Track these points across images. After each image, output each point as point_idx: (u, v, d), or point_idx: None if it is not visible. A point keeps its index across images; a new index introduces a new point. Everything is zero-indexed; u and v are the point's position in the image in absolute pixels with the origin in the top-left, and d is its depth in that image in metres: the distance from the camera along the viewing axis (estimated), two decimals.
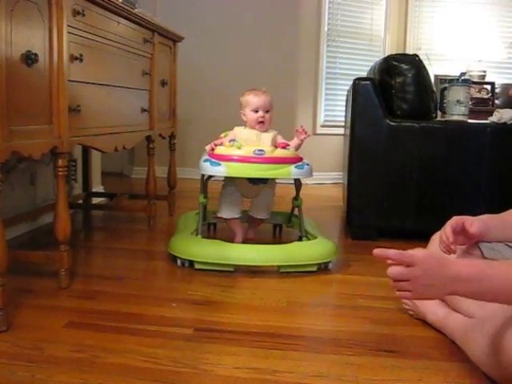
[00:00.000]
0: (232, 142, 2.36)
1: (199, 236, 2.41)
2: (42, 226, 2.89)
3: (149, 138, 2.92)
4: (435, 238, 1.71)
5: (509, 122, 2.75)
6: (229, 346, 1.55)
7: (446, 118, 2.93)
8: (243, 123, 2.50)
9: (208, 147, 2.46)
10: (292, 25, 4.90)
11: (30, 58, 1.68)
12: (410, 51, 5.07)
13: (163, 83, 3.06)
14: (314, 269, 2.28)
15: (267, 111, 2.44)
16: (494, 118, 2.80)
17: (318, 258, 2.30)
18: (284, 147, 2.37)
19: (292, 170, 2.30)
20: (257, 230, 2.70)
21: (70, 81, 1.93)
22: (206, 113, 4.98)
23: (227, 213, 2.53)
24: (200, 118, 4.97)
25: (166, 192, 3.35)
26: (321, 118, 5.14)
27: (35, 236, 2.76)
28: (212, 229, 2.96)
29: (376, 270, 2.21)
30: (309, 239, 2.50)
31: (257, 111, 2.43)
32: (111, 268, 2.31)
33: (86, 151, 3.36)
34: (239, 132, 2.46)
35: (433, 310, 1.70)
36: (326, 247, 2.37)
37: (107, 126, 2.35)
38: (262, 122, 2.43)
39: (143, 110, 2.78)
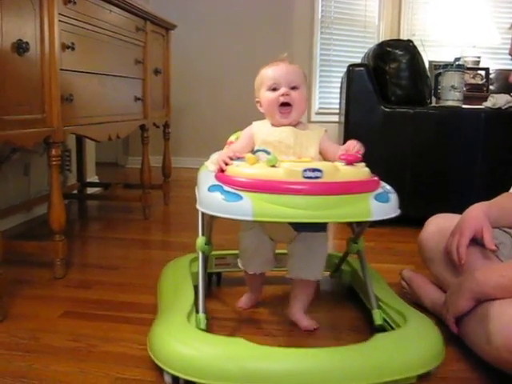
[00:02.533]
0: (259, 154, 1.41)
1: (201, 320, 1.38)
2: (36, 216, 2.88)
3: (143, 127, 2.91)
4: (432, 221, 1.71)
5: (503, 108, 2.75)
6: (224, 331, 1.55)
7: (441, 104, 2.93)
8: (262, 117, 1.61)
9: (212, 163, 1.48)
10: (286, 12, 4.87)
11: (21, 47, 1.67)
12: (404, 37, 5.04)
13: (156, 72, 3.04)
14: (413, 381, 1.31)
15: (293, 87, 1.50)
16: (488, 104, 2.80)
17: (422, 365, 1.30)
18: (352, 161, 1.35)
19: (372, 207, 1.27)
20: (308, 306, 1.63)
21: (61, 70, 1.92)
22: (200, 101, 4.96)
23: (255, 266, 1.63)
24: (195, 107, 4.96)
25: (161, 181, 3.34)
26: (315, 106, 5.13)
27: (30, 227, 2.76)
28: (215, 280, 1.98)
29: None
30: (390, 319, 1.51)
31: (275, 89, 1.50)
32: (107, 258, 2.31)
33: (80, 141, 3.34)
34: (261, 131, 1.52)
35: (429, 294, 1.71)
36: (429, 344, 1.36)
37: (100, 115, 2.33)
38: (285, 105, 1.49)
39: (137, 99, 2.76)
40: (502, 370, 1.23)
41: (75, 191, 3.35)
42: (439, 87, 2.94)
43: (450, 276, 1.57)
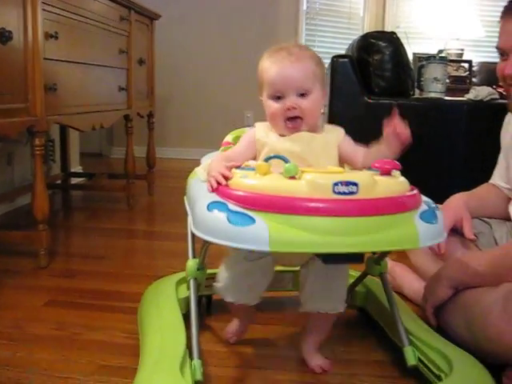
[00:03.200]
0: (273, 162, 1.09)
1: (196, 369, 1.12)
2: (20, 206, 2.86)
3: (127, 117, 2.90)
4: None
5: (485, 100, 2.79)
6: (209, 321, 1.57)
7: (424, 96, 2.96)
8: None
9: (204, 170, 1.22)
10: (271, 3, 4.87)
11: (4, 36, 1.66)
12: (388, 29, 5.06)
13: (141, 61, 3.03)
14: None
15: (303, 94, 1.20)
16: (470, 96, 2.84)
17: None
18: (389, 170, 1.10)
19: (419, 230, 1.01)
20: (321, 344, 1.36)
21: (45, 59, 1.91)
22: (185, 92, 4.95)
23: (235, 295, 1.29)
24: (179, 97, 4.94)
25: (146, 171, 3.34)
26: None
27: (13, 217, 2.75)
28: (205, 302, 1.65)
29: None
30: (426, 359, 1.25)
31: (279, 97, 1.21)
32: (91, 247, 2.31)
33: (63, 132, 3.32)
34: (267, 137, 1.24)
35: (410, 284, 1.74)
36: None
37: (84, 105, 2.33)
38: (293, 119, 1.21)
39: (121, 89, 2.76)
40: (483, 357, 1.25)
41: (59, 181, 3.34)
42: (422, 79, 2.96)
43: (431, 266, 1.59)
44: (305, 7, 5.00)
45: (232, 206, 0.98)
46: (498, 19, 1.47)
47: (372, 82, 2.81)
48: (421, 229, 1.00)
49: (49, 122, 1.96)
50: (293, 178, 0.99)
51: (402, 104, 2.77)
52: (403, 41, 2.90)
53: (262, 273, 1.26)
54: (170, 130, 4.84)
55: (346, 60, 2.82)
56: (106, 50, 2.59)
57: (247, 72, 4.63)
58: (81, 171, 3.71)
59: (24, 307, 1.64)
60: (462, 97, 2.89)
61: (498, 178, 1.70)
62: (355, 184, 0.96)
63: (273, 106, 1.22)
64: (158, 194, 3.34)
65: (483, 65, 5.07)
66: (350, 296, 1.49)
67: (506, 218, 1.60)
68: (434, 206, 1.09)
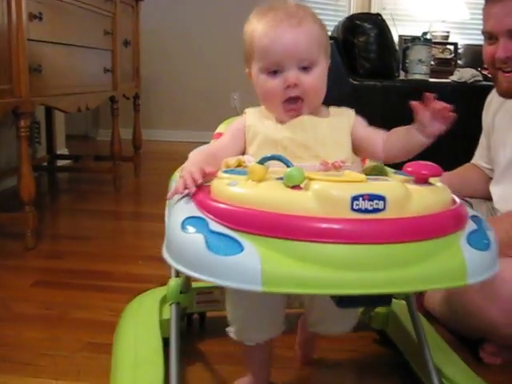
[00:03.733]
0: (269, 165, 0.82)
1: None
2: (6, 189, 2.86)
3: (112, 99, 2.90)
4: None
5: (469, 81, 2.81)
6: (203, 345, 1.58)
7: (408, 77, 2.98)
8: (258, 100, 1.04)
9: (180, 176, 0.88)
10: None
11: None
12: (374, 11, 5.07)
13: (126, 43, 3.02)
14: None
15: (305, 68, 0.96)
16: (454, 77, 2.86)
17: None
18: (426, 178, 0.83)
19: (466, 259, 0.74)
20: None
21: (29, 40, 1.91)
22: (171, 73, 4.92)
23: (257, 335, 1.05)
24: (166, 79, 4.91)
25: (132, 153, 3.34)
26: None
27: (0, 199, 2.75)
28: (197, 320, 1.45)
29: None
30: None
31: (275, 71, 0.96)
32: (78, 228, 2.32)
33: (49, 113, 3.31)
34: (261, 124, 1.00)
35: None
36: None
37: (69, 86, 2.33)
38: (293, 100, 0.97)
39: (106, 70, 2.75)
40: (461, 333, 1.28)
41: (45, 164, 3.33)
42: (407, 61, 2.98)
43: None
44: None
45: (213, 225, 0.73)
46: (483, 2, 1.48)
47: (357, 64, 2.82)
48: (469, 258, 0.73)
49: (34, 104, 1.97)
50: (297, 187, 0.74)
51: (387, 86, 2.80)
52: (389, 23, 2.91)
53: (268, 299, 0.99)
54: (156, 111, 4.83)
55: (331, 41, 2.82)
56: (91, 32, 2.58)
57: (233, 53, 4.63)
58: (67, 153, 3.70)
59: (11, 287, 1.66)
60: (447, 79, 2.91)
61: (479, 158, 1.73)
62: (382, 198, 0.70)
63: (268, 82, 0.96)
64: (144, 175, 3.35)
65: (468, 47, 5.10)
66: (367, 317, 1.32)
67: (487, 198, 1.63)
68: (481, 220, 0.82)
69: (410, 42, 3.03)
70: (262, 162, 0.80)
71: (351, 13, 5.00)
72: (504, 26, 1.39)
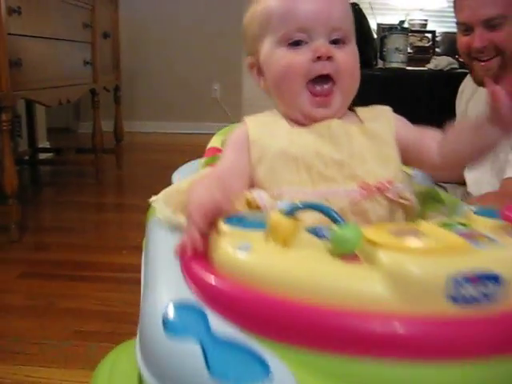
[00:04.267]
0: (298, 217, 0.54)
1: None
2: None
3: (93, 91, 2.91)
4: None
5: (445, 69, 2.87)
6: None
7: (386, 66, 3.02)
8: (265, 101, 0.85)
9: (166, 204, 0.73)
10: None
11: None
12: (351, 0, 5.10)
13: (105, 35, 3.03)
14: None
15: (337, 40, 0.76)
16: (431, 65, 2.92)
17: None
18: None
19: None
20: None
21: (9, 34, 1.91)
22: (152, 65, 4.91)
23: None
24: (147, 70, 4.91)
25: (114, 145, 3.35)
26: None
27: None
28: None
29: None
30: None
31: (298, 43, 0.74)
32: (62, 220, 2.34)
33: (30, 107, 3.30)
34: (271, 135, 0.75)
35: None
36: None
37: (50, 80, 2.33)
38: (322, 79, 0.75)
39: (86, 63, 2.76)
40: None
41: (27, 157, 3.33)
42: (384, 49, 3.02)
43: None
44: None
45: (218, 324, 0.46)
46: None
47: None
48: None
49: (15, 98, 1.98)
50: (352, 258, 0.48)
51: (366, 74, 2.84)
52: (368, 11, 2.94)
53: None
54: (138, 103, 4.83)
55: None
56: (70, 25, 2.58)
57: (214, 44, 4.65)
58: (48, 146, 3.70)
59: None
60: (424, 67, 2.96)
61: None
62: (496, 279, 0.44)
63: (288, 56, 0.73)
64: (126, 167, 3.36)
65: (446, 35, 5.15)
66: None
67: (461, 183, 1.69)
68: None
69: (387, 30, 3.08)
70: (290, 212, 0.52)
71: None
72: (479, 16, 1.43)
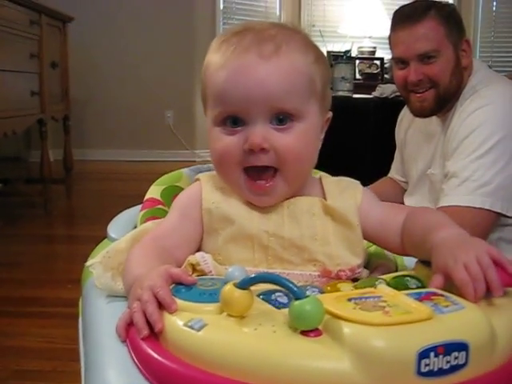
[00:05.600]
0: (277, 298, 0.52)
1: None
2: None
3: (41, 121, 2.88)
4: None
5: (390, 96, 2.95)
6: None
7: (333, 94, 3.09)
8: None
9: (106, 267, 0.66)
10: (188, 3, 4.90)
11: None
12: (304, 28, 5.20)
13: (54, 65, 3.01)
14: None
15: (282, 119, 0.66)
16: (376, 93, 3.00)
17: None
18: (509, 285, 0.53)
19: None
20: None
21: None
22: (103, 93, 4.88)
23: None
24: (97, 99, 4.88)
25: (64, 175, 3.31)
26: None
27: None
28: None
29: None
30: None
31: (235, 123, 0.66)
32: (7, 254, 2.29)
33: None
34: (228, 206, 0.69)
35: None
36: None
37: None
38: (261, 171, 0.67)
39: (33, 93, 2.73)
40: None
41: None
42: (331, 78, 3.10)
43: None
44: (222, 6, 5.07)
45: None
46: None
47: None
48: None
49: None
50: (314, 332, 0.46)
51: None
52: (318, 39, 3.01)
53: None
54: (89, 131, 4.79)
55: None
56: (16, 55, 2.56)
57: (167, 69, 4.67)
58: None
59: None
60: (371, 94, 3.04)
61: (394, 171, 1.84)
62: (464, 347, 0.44)
63: (222, 140, 0.67)
64: (76, 197, 3.32)
65: None
66: None
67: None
68: None
69: (333, 60, 3.16)
70: (244, 285, 0.48)
71: None
72: (414, 51, 1.49)
